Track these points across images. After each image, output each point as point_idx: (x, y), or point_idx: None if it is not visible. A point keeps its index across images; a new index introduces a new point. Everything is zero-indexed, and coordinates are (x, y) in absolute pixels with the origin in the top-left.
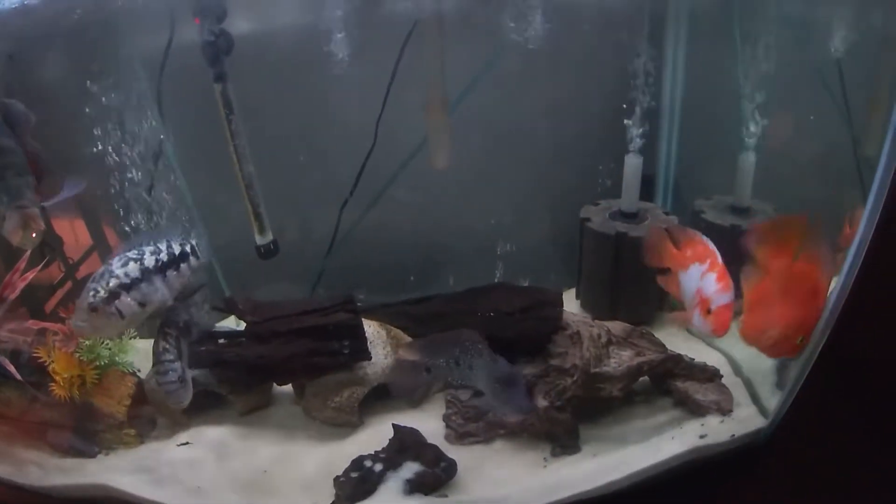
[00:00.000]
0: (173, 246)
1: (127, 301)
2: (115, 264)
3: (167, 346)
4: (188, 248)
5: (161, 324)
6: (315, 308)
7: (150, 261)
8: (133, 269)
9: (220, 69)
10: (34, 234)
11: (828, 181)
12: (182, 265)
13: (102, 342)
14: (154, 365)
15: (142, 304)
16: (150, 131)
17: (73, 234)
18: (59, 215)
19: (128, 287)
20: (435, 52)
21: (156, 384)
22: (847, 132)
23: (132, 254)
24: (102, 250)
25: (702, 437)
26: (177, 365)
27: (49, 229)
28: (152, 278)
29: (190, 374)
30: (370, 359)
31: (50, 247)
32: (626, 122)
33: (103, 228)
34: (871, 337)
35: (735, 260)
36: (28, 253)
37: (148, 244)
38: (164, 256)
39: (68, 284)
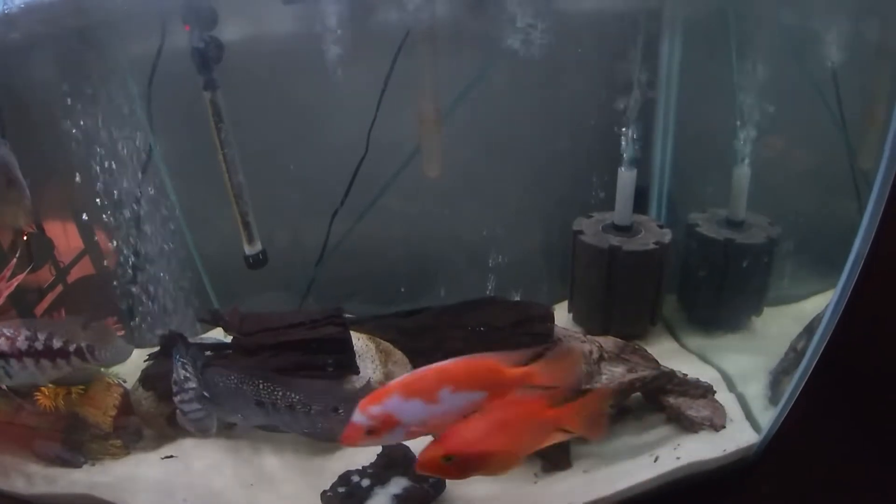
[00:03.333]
0: (54, 340)
1: None
2: None
3: (188, 375)
4: (72, 349)
5: (174, 355)
6: (303, 321)
7: (22, 343)
8: (2, 342)
9: (209, 77)
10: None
11: (824, 193)
12: (59, 360)
13: None
14: (176, 395)
15: (9, 376)
16: (138, 139)
17: (66, 237)
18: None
19: None
20: (427, 61)
21: (180, 414)
22: (843, 143)
23: (7, 331)
24: (94, 254)
25: (694, 453)
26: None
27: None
28: (23, 358)
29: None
30: (358, 373)
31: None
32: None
33: (95, 232)
34: (865, 350)
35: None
36: (15, 259)
37: (29, 329)
38: (38, 345)
39: (59, 288)
